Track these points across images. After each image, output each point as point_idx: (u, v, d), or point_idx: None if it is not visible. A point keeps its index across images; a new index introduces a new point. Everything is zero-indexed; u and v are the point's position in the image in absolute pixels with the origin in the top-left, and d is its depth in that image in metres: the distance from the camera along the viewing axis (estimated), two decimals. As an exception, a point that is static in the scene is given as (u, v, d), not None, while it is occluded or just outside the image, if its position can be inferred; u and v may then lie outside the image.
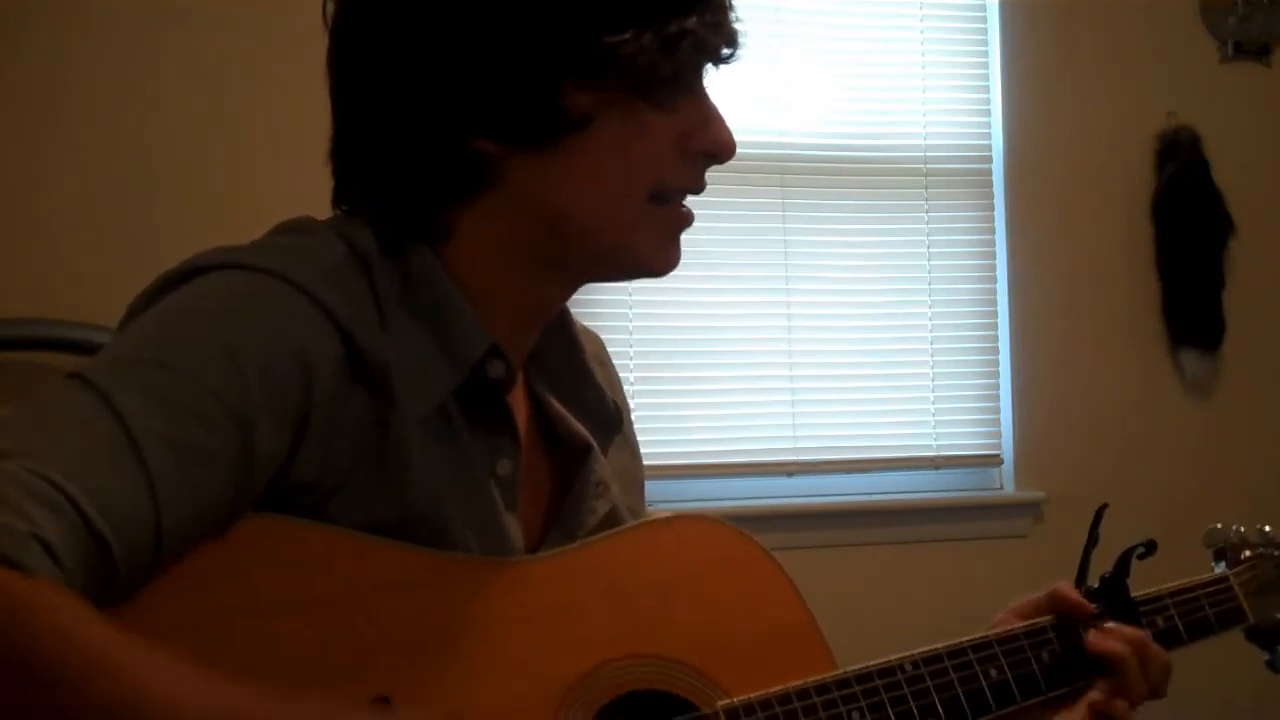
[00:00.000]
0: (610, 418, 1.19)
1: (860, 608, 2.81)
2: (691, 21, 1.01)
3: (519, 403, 1.11)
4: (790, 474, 3.09)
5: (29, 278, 2.62)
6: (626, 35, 0.99)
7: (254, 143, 2.76)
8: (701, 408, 3.04)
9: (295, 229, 1.02)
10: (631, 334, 2.99)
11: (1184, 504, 3.19)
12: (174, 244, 3.01)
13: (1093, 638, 1.20)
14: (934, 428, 3.18)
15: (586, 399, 1.18)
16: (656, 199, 1.05)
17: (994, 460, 3.22)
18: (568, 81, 0.99)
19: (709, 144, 1.05)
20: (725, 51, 1.04)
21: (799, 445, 3.10)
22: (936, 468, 3.18)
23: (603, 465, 1.16)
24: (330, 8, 1.05)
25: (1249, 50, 3.36)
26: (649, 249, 1.06)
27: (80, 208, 2.68)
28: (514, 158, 1.01)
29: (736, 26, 1.04)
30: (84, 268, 2.65)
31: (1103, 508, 1.25)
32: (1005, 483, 3.23)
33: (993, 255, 3.23)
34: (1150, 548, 1.24)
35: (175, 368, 0.88)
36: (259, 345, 0.91)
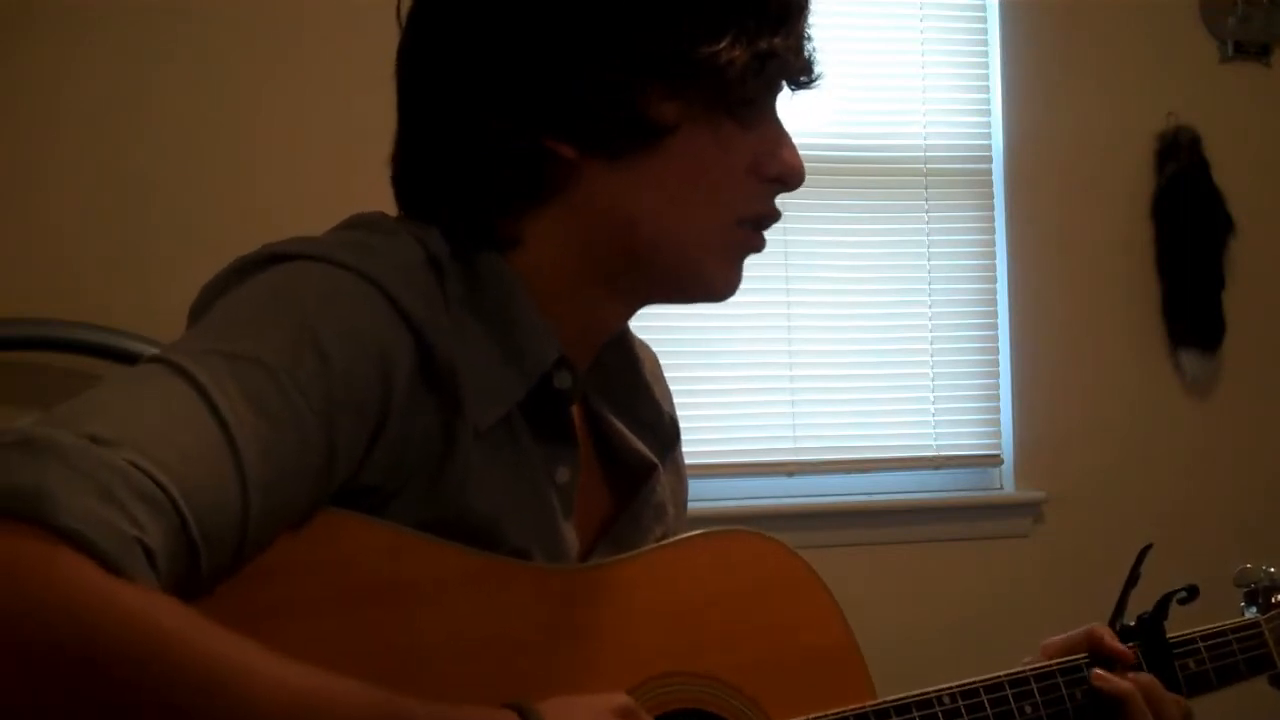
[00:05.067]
0: (667, 433, 1.18)
1: (860, 608, 2.79)
2: (778, 41, 1.00)
3: (575, 416, 1.08)
4: (790, 474, 3.09)
5: (29, 278, 2.62)
6: (721, 45, 0.97)
7: (254, 144, 2.76)
8: (701, 408, 3.03)
9: (372, 225, 0.99)
10: (631, 334, 2.99)
11: (1184, 504, 3.20)
12: (174, 244, 3.02)
13: (1097, 678, 1.18)
14: (934, 428, 3.18)
15: (643, 415, 1.16)
16: (745, 223, 1.04)
17: (994, 460, 3.21)
18: (654, 87, 0.97)
19: (782, 168, 1.04)
20: (803, 77, 1.04)
21: (799, 445, 3.10)
22: (936, 468, 3.18)
23: (664, 488, 1.14)
24: (405, 3, 1.03)
25: (1249, 50, 3.35)
26: (716, 269, 1.05)
27: (81, 208, 2.68)
28: (588, 163, 0.99)
29: (814, 55, 1.04)
30: (84, 268, 2.66)
31: (1146, 548, 1.25)
32: (1005, 483, 3.22)
33: (993, 255, 3.23)
34: (1192, 592, 1.24)
35: (268, 366, 0.85)
36: (344, 348, 0.88)
